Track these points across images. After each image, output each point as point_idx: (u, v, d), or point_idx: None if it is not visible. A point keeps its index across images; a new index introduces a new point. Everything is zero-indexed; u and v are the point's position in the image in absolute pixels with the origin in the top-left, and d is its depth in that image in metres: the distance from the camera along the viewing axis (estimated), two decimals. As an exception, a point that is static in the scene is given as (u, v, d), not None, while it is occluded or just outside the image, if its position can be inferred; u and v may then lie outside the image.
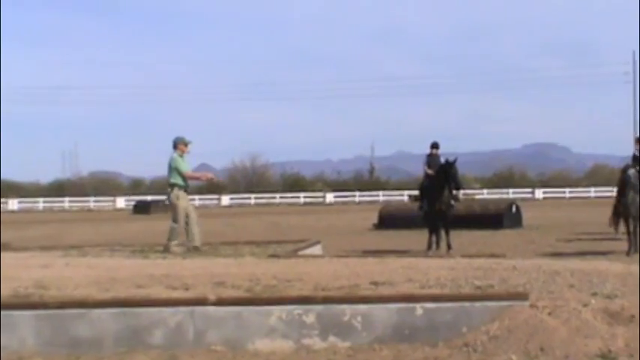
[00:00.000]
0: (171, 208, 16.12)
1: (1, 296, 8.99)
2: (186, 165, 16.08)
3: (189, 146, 16.31)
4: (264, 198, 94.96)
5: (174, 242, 15.53)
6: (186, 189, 15.99)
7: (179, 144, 16.13)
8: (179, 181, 15.84)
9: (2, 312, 8.49)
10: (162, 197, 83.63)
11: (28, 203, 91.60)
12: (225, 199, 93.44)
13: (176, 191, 15.81)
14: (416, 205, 21.92)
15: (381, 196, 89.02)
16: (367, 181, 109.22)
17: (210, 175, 17.22)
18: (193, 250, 15.21)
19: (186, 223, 15.71)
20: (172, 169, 15.90)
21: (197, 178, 17.31)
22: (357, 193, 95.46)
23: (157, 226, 39.78)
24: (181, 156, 16.06)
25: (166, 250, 15.37)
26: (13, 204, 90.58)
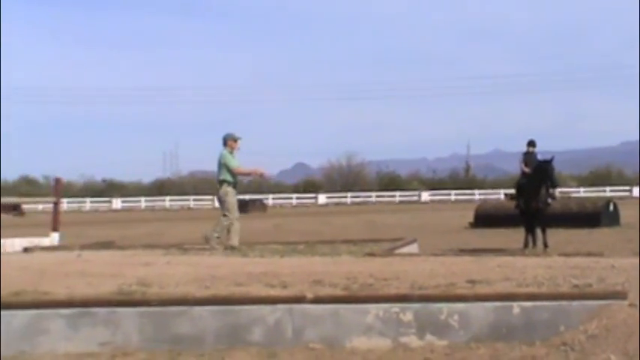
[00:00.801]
0: (220, 204, 16.15)
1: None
2: (236, 161, 16.11)
3: (239, 142, 16.35)
4: (360, 197, 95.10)
5: (215, 235, 15.63)
6: (235, 185, 16.03)
7: (229, 140, 16.19)
8: (228, 177, 15.91)
9: (107, 308, 8.64)
10: (260, 196, 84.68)
11: (131, 202, 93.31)
12: (322, 198, 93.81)
13: (225, 187, 15.89)
14: (512, 203, 21.69)
15: (477, 194, 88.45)
16: (463, 180, 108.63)
17: (260, 170, 17.17)
18: (230, 249, 15.28)
19: (223, 216, 15.81)
20: (222, 165, 15.97)
21: (247, 174, 17.21)
22: (453, 192, 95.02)
23: (254, 224, 40.10)
24: (231, 152, 16.12)
25: (206, 240, 15.59)
26: (116, 203, 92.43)
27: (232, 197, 15.92)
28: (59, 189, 19.05)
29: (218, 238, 15.59)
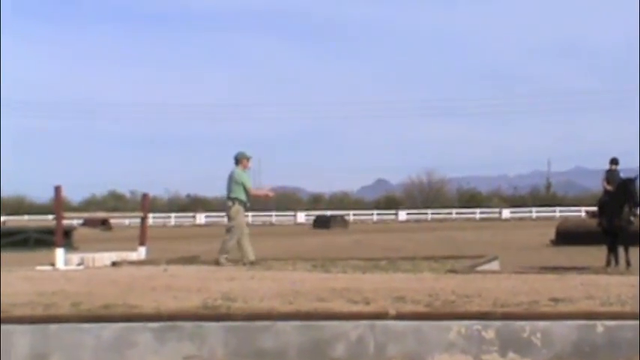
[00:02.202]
0: (229, 221, 15.95)
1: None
2: (249, 180, 15.92)
3: (250, 161, 16.11)
4: (441, 213, 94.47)
5: (224, 256, 15.58)
6: (246, 205, 15.82)
7: (242, 159, 15.92)
8: (242, 196, 15.68)
9: (193, 322, 8.72)
10: (341, 212, 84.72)
11: (214, 217, 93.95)
12: (402, 215, 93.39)
13: (237, 206, 15.68)
14: (594, 221, 21.36)
15: (558, 211, 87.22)
16: (544, 197, 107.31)
17: (271, 193, 17.13)
18: (249, 265, 15.22)
19: (228, 232, 15.76)
20: (237, 183, 15.66)
21: (261, 196, 17.13)
22: (534, 209, 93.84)
23: (336, 240, 40.19)
24: (243, 171, 15.87)
25: (216, 263, 15.51)
26: (200, 218, 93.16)
27: (242, 217, 15.82)
28: (146, 204, 19.28)
29: (227, 259, 15.61)
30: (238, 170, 15.81)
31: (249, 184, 15.83)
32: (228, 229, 15.85)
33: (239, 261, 15.62)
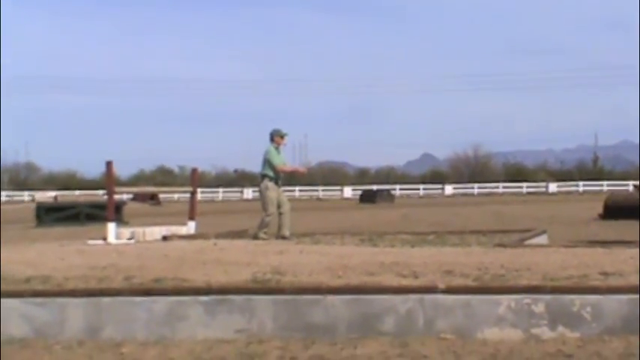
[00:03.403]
0: (260, 198, 16.22)
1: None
2: (281, 158, 16.08)
3: (286, 139, 16.22)
4: (487, 188, 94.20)
5: (263, 230, 15.76)
6: (277, 181, 15.96)
7: (275, 136, 16.08)
8: (270, 172, 15.88)
9: (243, 296, 8.75)
10: (387, 187, 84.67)
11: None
12: (449, 189, 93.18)
13: (266, 182, 15.88)
14: (643, 194, 21.18)
15: (605, 186, 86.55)
16: (591, 171, 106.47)
17: (302, 169, 17.14)
18: (281, 239, 15.37)
19: (280, 213, 15.84)
20: (266, 160, 15.92)
21: (288, 172, 16.99)
22: (581, 183, 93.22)
23: (382, 214, 40.22)
24: (277, 148, 16.04)
25: (255, 237, 15.68)
26: (247, 193, 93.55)
27: (273, 192, 15.89)
28: (195, 179, 19.36)
29: (266, 234, 15.77)
30: (270, 148, 16.03)
31: (277, 161, 15.97)
32: (263, 206, 16.03)
33: (276, 235, 15.82)
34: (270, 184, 15.93)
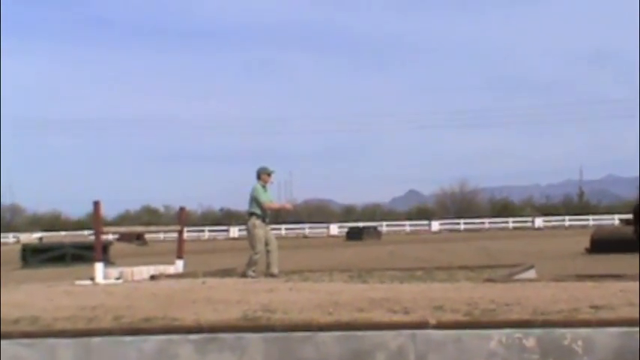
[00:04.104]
0: (248, 236, 16.29)
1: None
2: (267, 195, 16.15)
3: (272, 177, 16.36)
4: (474, 223, 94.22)
5: (251, 268, 15.80)
6: (265, 219, 16.05)
7: (262, 174, 16.21)
8: (257, 210, 15.98)
9: (233, 334, 8.72)
10: (374, 224, 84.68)
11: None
12: (435, 225, 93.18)
13: (253, 220, 15.97)
14: (629, 228, 21.25)
15: (591, 220, 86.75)
16: (576, 205, 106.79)
17: (288, 206, 17.23)
18: (270, 277, 15.41)
19: (267, 251, 15.92)
20: (252, 198, 16.03)
21: (275, 209, 17.02)
22: (567, 218, 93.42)
23: (370, 251, 40.17)
24: (264, 186, 16.15)
25: (244, 275, 15.71)
26: (233, 231, 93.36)
27: (260, 230, 15.98)
28: (183, 217, 19.35)
29: (254, 272, 15.80)
30: (257, 185, 16.13)
31: (264, 198, 16.05)
32: (251, 244, 16.08)
33: (265, 273, 15.85)
34: (258, 222, 15.97)
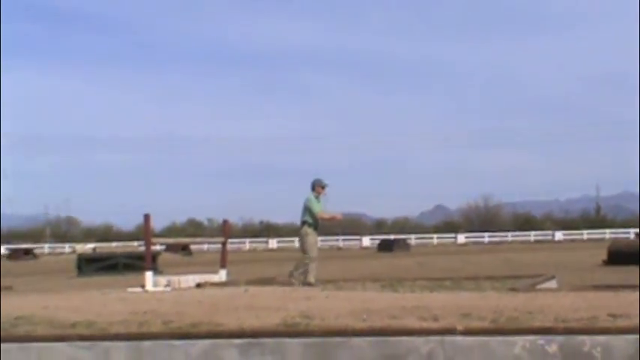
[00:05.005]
0: (300, 243, 16.26)
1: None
2: (319, 206, 16.13)
3: (326, 189, 16.34)
4: (497, 236, 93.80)
5: (299, 271, 15.79)
6: (316, 227, 16.09)
7: (317, 186, 16.23)
8: (309, 219, 16.01)
9: (274, 339, 8.73)
10: (403, 236, 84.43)
11: (285, 242, 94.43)
12: (461, 238, 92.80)
13: (306, 228, 16.01)
14: (645, 241, 21.06)
15: (608, 233, 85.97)
16: (594, 220, 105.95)
17: (338, 216, 17.10)
18: (307, 285, 15.33)
19: (303, 255, 15.93)
20: (306, 208, 16.04)
21: (326, 219, 16.78)
22: (585, 232, 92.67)
23: (400, 262, 40.01)
24: (317, 197, 16.15)
25: (290, 276, 15.76)
26: (272, 243, 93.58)
27: (312, 237, 16.01)
28: (227, 230, 19.44)
29: (301, 274, 15.78)
30: (310, 196, 16.13)
31: (317, 209, 16.07)
32: (303, 251, 16.06)
33: (303, 281, 15.79)
34: (310, 230, 16.01)
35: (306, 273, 15.77)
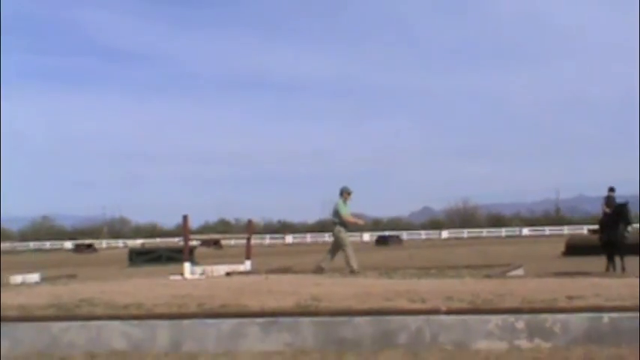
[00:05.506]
0: (335, 240, 16.15)
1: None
2: (347, 209, 16.17)
3: (351, 195, 16.37)
4: (474, 232, 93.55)
5: (352, 265, 15.58)
6: (346, 226, 16.13)
7: (344, 192, 16.30)
8: (339, 220, 16.04)
9: (289, 318, 8.72)
10: (397, 233, 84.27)
11: (300, 238, 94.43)
12: (445, 233, 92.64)
13: (338, 227, 16.06)
14: (596, 236, 20.95)
15: (566, 230, 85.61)
16: (554, 218, 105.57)
17: (360, 222, 17.01)
18: (350, 274, 15.14)
19: (343, 251, 15.83)
20: (335, 211, 16.11)
21: (350, 222, 16.57)
22: (547, 228, 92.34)
23: (394, 254, 39.90)
24: (344, 202, 16.19)
25: (352, 272, 15.37)
26: (288, 239, 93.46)
27: (344, 234, 16.02)
28: (251, 227, 19.44)
29: (353, 265, 15.56)
30: (339, 201, 16.24)
31: (344, 212, 16.12)
32: (340, 247, 15.96)
33: (343, 269, 15.70)
34: (342, 229, 16.08)
35: (349, 262, 15.65)
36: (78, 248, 78.13)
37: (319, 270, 15.68)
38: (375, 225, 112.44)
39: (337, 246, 16.01)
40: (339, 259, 16.23)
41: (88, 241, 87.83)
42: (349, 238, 16.30)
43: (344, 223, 16.09)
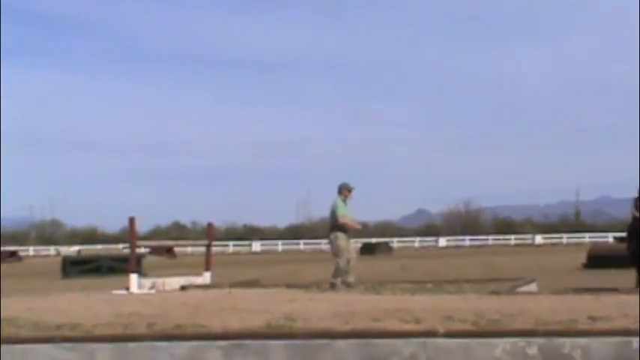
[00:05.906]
0: (331, 247, 16.05)
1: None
2: (345, 210, 15.90)
3: (352, 193, 16.15)
4: (478, 240, 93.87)
5: (338, 279, 15.46)
6: (346, 232, 15.84)
7: (343, 189, 16.06)
8: (335, 223, 15.79)
9: (257, 341, 8.71)
10: (386, 239, 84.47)
11: (269, 245, 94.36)
12: (442, 241, 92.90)
13: (335, 232, 15.74)
14: (623, 245, 21.09)
15: (587, 237, 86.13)
16: (573, 224, 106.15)
17: (357, 226, 16.86)
18: (346, 286, 15.14)
19: (347, 260, 15.63)
20: (333, 212, 15.85)
21: (347, 226, 16.23)
22: (565, 235, 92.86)
23: (382, 265, 40.04)
24: (344, 201, 15.96)
25: (332, 286, 15.31)
26: (256, 246, 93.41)
27: (342, 240, 15.73)
28: (211, 232, 19.40)
29: (341, 282, 15.44)
30: (337, 200, 15.97)
31: (341, 212, 15.80)
32: (335, 254, 15.82)
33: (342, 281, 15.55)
34: (340, 234, 15.72)
35: (342, 274, 15.50)
36: (-1, 256, 77.54)
37: (347, 284, 15.35)
38: (360, 230, 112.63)
39: (339, 252, 15.70)
40: (361, 264, 15.87)
41: (11, 248, 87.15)
42: (352, 245, 16.15)
43: (343, 227, 15.84)
